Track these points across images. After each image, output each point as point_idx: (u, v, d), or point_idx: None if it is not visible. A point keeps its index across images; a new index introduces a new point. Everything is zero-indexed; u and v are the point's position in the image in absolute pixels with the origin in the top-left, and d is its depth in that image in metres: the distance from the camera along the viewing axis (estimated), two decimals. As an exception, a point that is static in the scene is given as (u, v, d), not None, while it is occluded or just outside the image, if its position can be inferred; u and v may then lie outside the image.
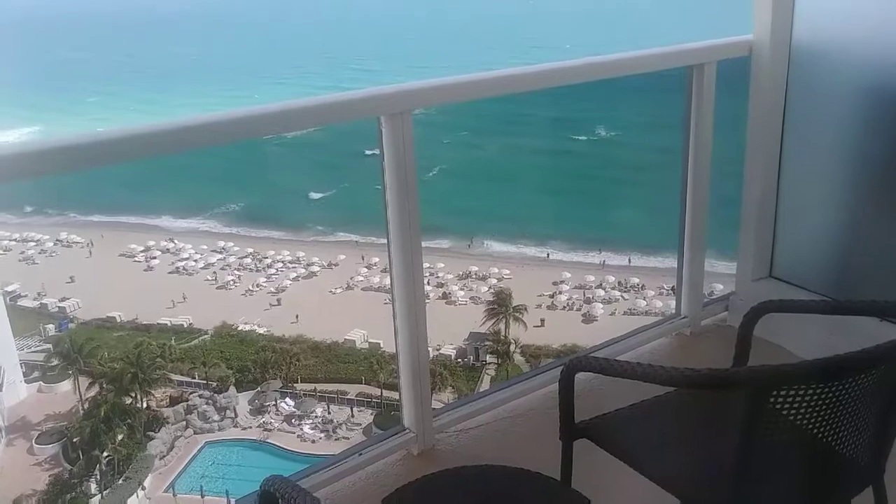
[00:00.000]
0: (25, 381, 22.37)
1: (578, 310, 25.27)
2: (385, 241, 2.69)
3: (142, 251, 29.87)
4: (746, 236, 3.57)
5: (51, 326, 24.73)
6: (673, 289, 3.77)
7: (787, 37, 3.23)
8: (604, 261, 27.96)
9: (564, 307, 25.36)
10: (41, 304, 25.97)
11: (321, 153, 38.50)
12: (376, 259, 27.23)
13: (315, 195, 34.84)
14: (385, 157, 2.54)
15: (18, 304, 25.79)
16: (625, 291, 25.93)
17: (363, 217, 28.71)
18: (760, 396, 1.53)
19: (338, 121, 2.65)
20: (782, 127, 3.35)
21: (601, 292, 25.79)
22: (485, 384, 21.07)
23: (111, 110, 59.13)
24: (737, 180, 3.53)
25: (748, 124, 3.39)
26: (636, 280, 26.16)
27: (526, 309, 23.76)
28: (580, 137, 36.14)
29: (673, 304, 3.74)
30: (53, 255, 30.44)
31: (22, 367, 22.53)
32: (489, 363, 22.71)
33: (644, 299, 25.28)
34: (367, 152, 34.18)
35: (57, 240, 31.34)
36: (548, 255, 28.71)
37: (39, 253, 30.50)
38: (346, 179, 34.64)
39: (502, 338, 22.99)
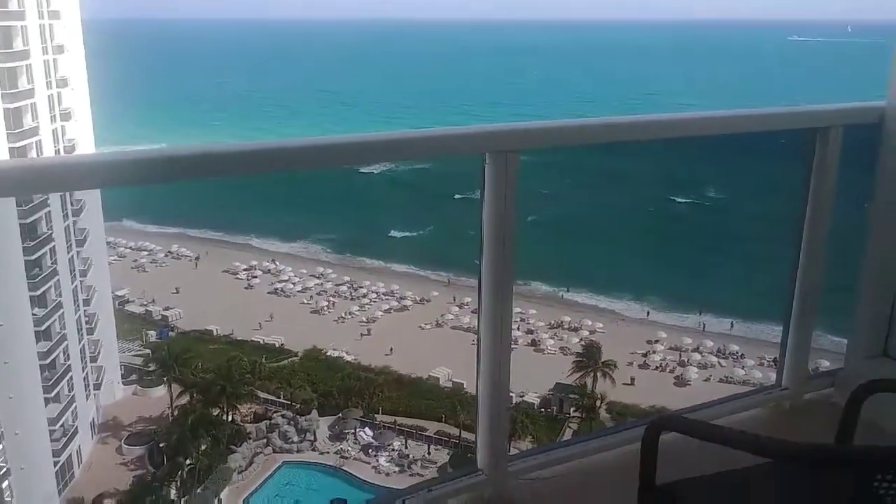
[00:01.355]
0: (123, 383, 23.38)
1: (671, 371, 24.46)
2: (476, 280, 2.65)
3: (244, 269, 30.98)
4: (862, 311, 3.33)
5: (152, 333, 25.87)
6: (775, 360, 3.55)
7: None
8: (703, 324, 27.06)
9: (657, 367, 24.60)
10: (147, 310, 27.22)
11: (413, 192, 39.35)
12: (468, 299, 27.26)
13: (402, 234, 35.56)
14: (486, 195, 2.47)
15: (126, 308, 27.11)
16: (723, 358, 24.96)
17: (452, 259, 28.98)
18: (867, 478, 1.41)
19: (444, 154, 2.62)
20: None
21: (697, 356, 24.89)
22: (566, 437, 20.57)
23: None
24: (848, 254, 3.31)
25: (874, 194, 3.16)
26: (735, 347, 25.15)
27: (616, 365, 23.15)
28: (682, 200, 35.39)
29: (773, 376, 3.53)
30: (163, 265, 31.98)
31: (121, 368, 23.57)
32: (573, 416, 22.18)
33: (743, 368, 24.23)
34: (457, 196, 34.78)
35: (168, 251, 32.95)
36: (647, 313, 28.09)
37: (151, 262, 32.11)
38: (435, 221, 35.27)
39: (588, 392, 22.43)
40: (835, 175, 3.04)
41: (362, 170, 52.05)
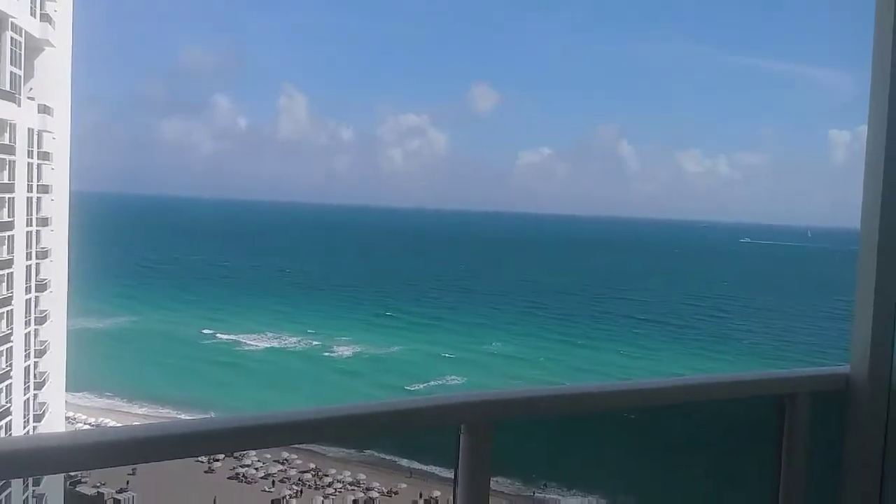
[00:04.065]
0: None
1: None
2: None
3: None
4: None
5: (102, 518, 24.22)
6: None
7: (888, 373, 3.00)
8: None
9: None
10: (98, 492, 25.63)
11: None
12: (437, 493, 26.13)
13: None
14: (461, 468, 2.34)
15: (77, 489, 25.52)
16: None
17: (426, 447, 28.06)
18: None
19: (414, 429, 2.42)
20: (882, 471, 3.06)
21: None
22: None
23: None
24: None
25: (843, 465, 3.09)
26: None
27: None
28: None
29: None
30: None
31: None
32: None
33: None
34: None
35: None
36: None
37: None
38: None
39: None
40: (806, 443, 2.99)
41: (330, 354, 52.01)
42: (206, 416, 38.17)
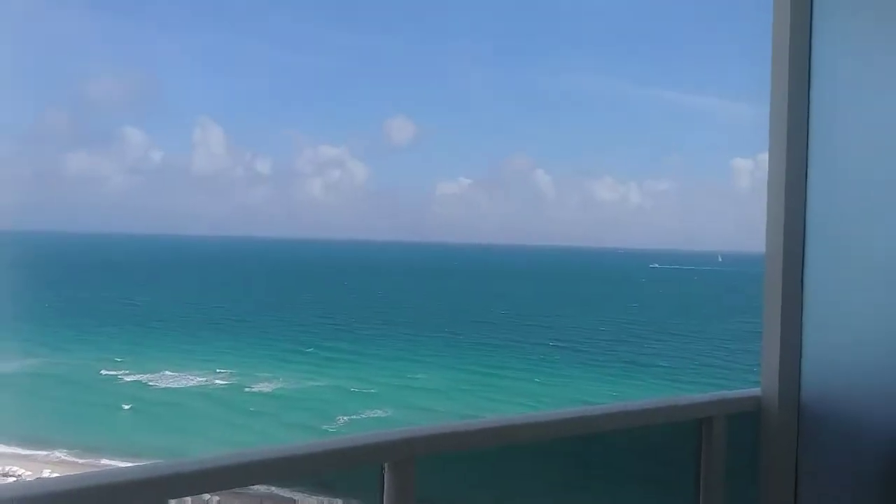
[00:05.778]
0: None
1: None
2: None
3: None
4: None
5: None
6: None
7: (796, 393, 3.15)
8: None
9: None
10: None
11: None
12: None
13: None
14: None
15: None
16: None
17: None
18: None
19: (335, 468, 2.40)
20: (795, 487, 3.19)
21: None
22: None
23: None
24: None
25: (759, 482, 3.23)
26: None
27: None
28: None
29: None
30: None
31: None
32: None
33: None
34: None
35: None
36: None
37: None
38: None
39: None
40: (723, 465, 3.09)
41: (246, 391, 50.50)
42: (97, 462, 36.68)
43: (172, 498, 2.08)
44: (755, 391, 3.24)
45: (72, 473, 2.09)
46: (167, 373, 53.60)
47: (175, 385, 51.45)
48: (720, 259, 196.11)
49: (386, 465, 2.36)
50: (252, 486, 2.22)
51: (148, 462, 2.19)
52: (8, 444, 38.02)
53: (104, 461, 36.05)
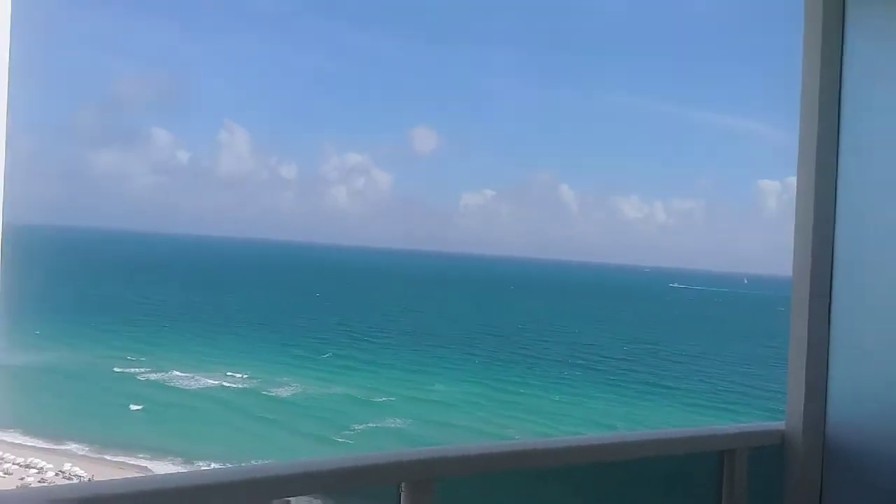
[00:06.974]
0: None
1: None
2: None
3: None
4: None
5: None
6: None
7: (821, 428, 3.12)
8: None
9: None
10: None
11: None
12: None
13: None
14: None
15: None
16: None
17: None
18: None
19: (350, 487, 2.37)
20: None
21: None
22: None
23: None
24: None
25: None
26: None
27: None
28: None
29: None
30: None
31: None
32: None
33: None
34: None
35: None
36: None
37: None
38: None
39: None
40: (745, 497, 3.05)
41: (264, 394, 50.22)
42: (114, 459, 36.47)
43: None
44: (779, 424, 3.21)
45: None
46: (177, 372, 53.50)
47: (185, 385, 51.26)
48: (745, 282, 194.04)
49: (403, 484, 2.34)
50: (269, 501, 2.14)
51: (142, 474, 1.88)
52: (27, 435, 38.41)
53: (120, 458, 36.27)
